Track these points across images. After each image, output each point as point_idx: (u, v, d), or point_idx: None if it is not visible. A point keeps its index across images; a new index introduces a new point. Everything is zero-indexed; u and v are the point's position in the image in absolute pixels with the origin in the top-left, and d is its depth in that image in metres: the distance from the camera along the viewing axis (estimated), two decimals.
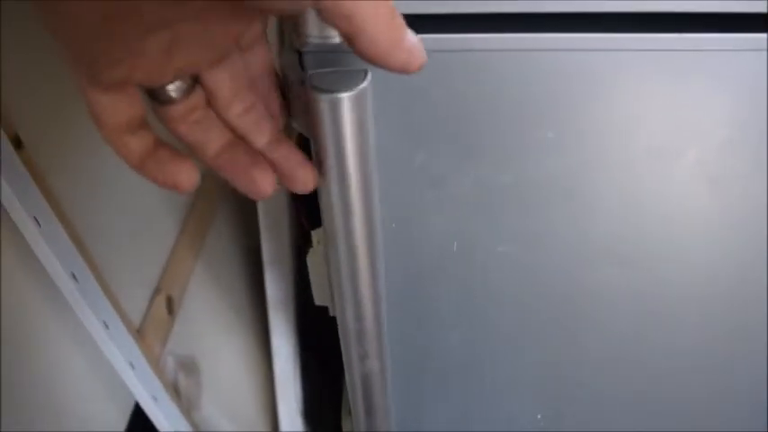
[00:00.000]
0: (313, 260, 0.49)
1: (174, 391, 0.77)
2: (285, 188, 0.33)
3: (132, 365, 0.68)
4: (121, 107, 0.28)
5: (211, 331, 0.89)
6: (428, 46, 0.34)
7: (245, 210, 0.93)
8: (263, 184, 0.31)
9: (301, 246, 0.81)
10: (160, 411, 0.73)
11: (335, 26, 0.24)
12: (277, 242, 0.81)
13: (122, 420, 0.71)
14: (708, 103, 0.37)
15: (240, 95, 0.31)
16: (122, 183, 0.70)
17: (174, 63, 0.27)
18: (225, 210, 0.92)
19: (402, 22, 0.25)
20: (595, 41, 0.34)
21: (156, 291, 0.75)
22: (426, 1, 0.33)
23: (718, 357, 0.49)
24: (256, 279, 0.93)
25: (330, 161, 0.33)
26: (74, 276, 0.60)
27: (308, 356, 0.94)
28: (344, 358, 0.43)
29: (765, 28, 0.34)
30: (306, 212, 0.74)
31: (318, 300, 0.50)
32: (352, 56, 0.33)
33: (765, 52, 0.35)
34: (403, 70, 0.26)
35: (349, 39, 0.25)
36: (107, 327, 0.65)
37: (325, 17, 0.24)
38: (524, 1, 0.33)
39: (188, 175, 0.30)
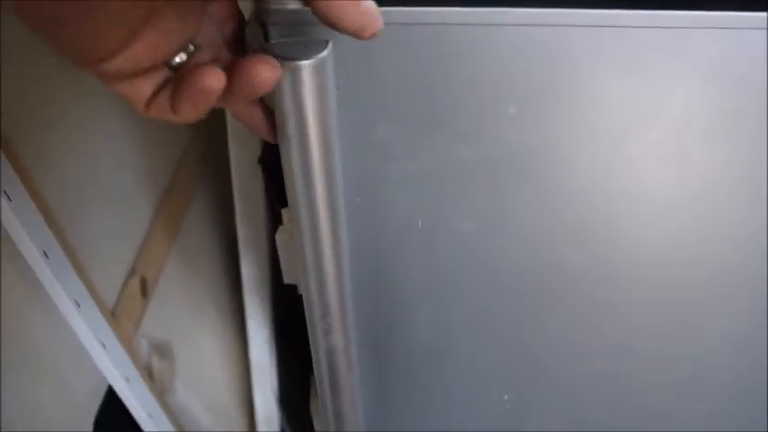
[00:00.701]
0: (282, 238, 0.49)
1: (148, 373, 0.77)
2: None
3: (104, 345, 0.68)
4: (141, 87, 0.29)
5: (187, 315, 0.89)
6: (390, 18, 0.34)
7: (222, 193, 0.93)
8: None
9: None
10: (132, 393, 0.73)
11: None
12: (253, 226, 0.81)
13: (96, 401, 0.71)
14: (670, 84, 0.37)
15: (220, 55, 0.32)
16: (99, 163, 0.70)
17: (174, 37, 0.28)
18: (202, 193, 0.92)
19: None
20: (559, 16, 0.35)
21: (131, 272, 0.74)
22: None
23: (686, 338, 0.50)
24: (233, 263, 0.93)
25: (291, 129, 0.33)
26: (45, 254, 0.59)
27: (283, 343, 0.95)
28: (309, 334, 0.44)
29: (733, 6, 0.35)
30: (277, 193, 0.74)
31: (287, 278, 0.50)
32: (315, 28, 0.33)
33: (733, 31, 0.35)
34: (356, 33, 0.27)
35: None
36: (78, 305, 0.64)
37: None
38: None
39: (214, 78, 0.28)
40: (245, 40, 0.34)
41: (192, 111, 0.29)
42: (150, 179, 0.79)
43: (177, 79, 0.29)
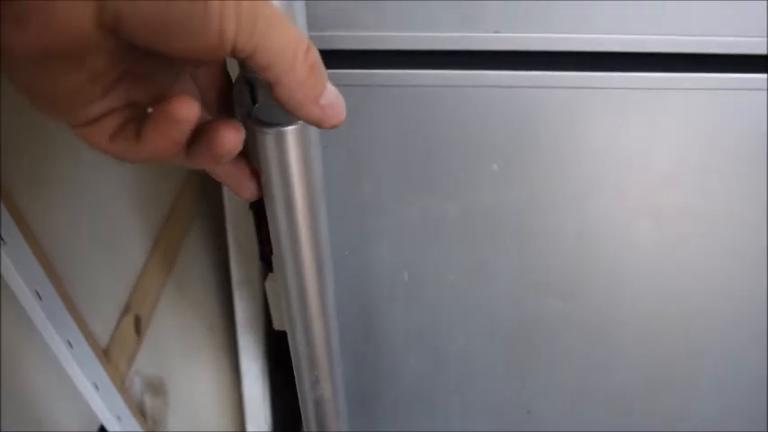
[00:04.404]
0: (271, 285, 0.49)
1: (140, 411, 0.76)
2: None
3: (96, 386, 0.68)
4: (107, 123, 0.28)
5: (180, 351, 0.89)
6: (378, 81, 0.35)
7: (216, 231, 0.94)
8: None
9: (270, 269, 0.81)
10: (123, 431, 0.72)
11: (257, 73, 0.26)
12: (247, 263, 0.82)
13: None
14: (650, 140, 0.38)
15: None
16: (93, 201, 0.70)
17: (147, 87, 0.28)
18: (197, 230, 0.93)
19: (321, 79, 0.27)
20: (541, 79, 0.35)
21: (125, 311, 0.74)
22: (373, 36, 0.34)
23: (670, 388, 0.50)
24: (227, 300, 0.93)
25: (277, 192, 0.34)
26: (37, 294, 0.60)
27: (276, 378, 0.94)
28: (297, 384, 0.44)
29: (717, 69, 0.36)
30: (268, 237, 0.74)
31: (277, 324, 0.50)
32: None
33: (710, 92, 0.36)
34: (316, 124, 0.28)
35: (269, 85, 0.26)
36: (71, 346, 0.64)
37: (247, 64, 0.25)
38: (476, 38, 0.34)
39: (184, 106, 0.26)
40: (233, 99, 0.35)
41: (155, 139, 0.27)
42: (145, 217, 0.80)
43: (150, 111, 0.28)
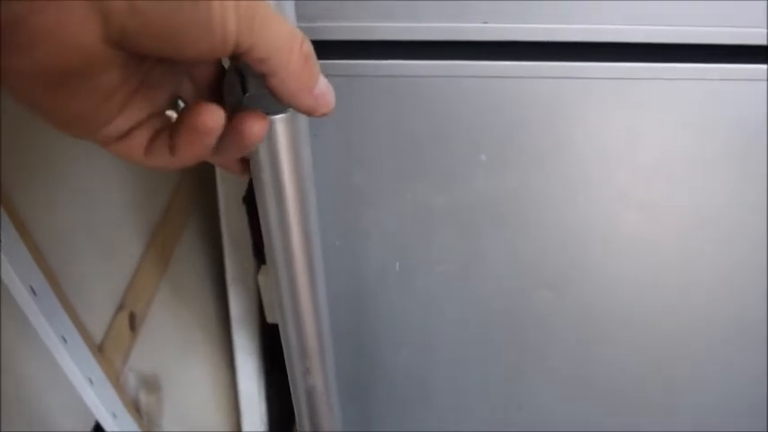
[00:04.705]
0: (264, 278, 0.50)
1: (135, 408, 0.76)
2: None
3: (91, 381, 0.68)
4: (138, 138, 0.29)
5: (176, 348, 0.89)
6: (367, 71, 0.36)
7: (211, 227, 0.94)
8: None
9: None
10: (119, 428, 0.72)
11: (253, 66, 0.26)
12: (241, 259, 0.82)
13: None
14: (643, 132, 0.38)
15: None
16: (89, 198, 0.70)
17: (164, 90, 0.29)
18: (192, 226, 0.93)
19: (315, 71, 0.28)
20: (526, 69, 0.36)
21: (120, 307, 0.75)
22: (365, 26, 0.34)
23: (666, 383, 0.50)
24: (222, 296, 0.93)
25: (267, 179, 0.34)
26: (32, 290, 0.60)
27: (272, 374, 0.94)
28: (288, 374, 0.44)
29: (700, 59, 0.36)
30: (261, 231, 0.75)
31: (270, 318, 0.51)
32: None
33: (695, 81, 0.36)
34: (308, 113, 0.29)
35: (264, 77, 0.27)
36: (65, 341, 0.65)
37: (243, 58, 0.26)
38: (467, 29, 0.35)
39: (211, 116, 0.28)
40: (223, 91, 0.35)
41: (189, 151, 0.29)
42: (141, 214, 0.80)
43: (176, 121, 0.29)
